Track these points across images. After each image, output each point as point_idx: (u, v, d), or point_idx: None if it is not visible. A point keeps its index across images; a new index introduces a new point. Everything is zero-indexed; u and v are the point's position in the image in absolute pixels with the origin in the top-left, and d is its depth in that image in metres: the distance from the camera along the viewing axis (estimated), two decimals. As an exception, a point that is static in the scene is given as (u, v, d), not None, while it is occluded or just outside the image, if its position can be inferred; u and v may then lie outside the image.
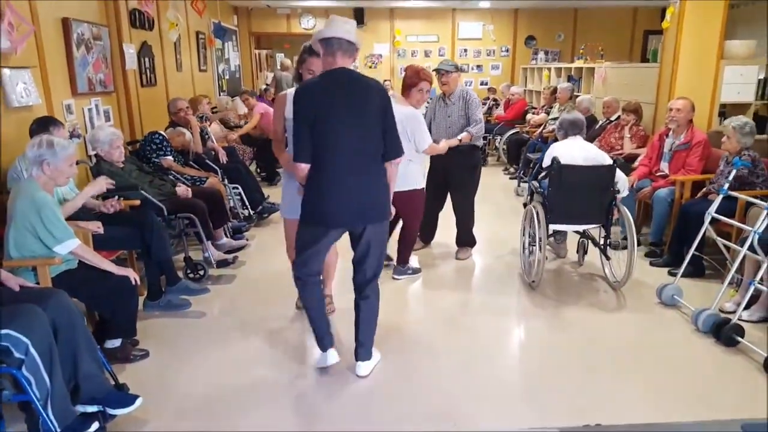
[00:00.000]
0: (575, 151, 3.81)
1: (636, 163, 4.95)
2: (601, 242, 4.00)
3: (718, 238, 3.54)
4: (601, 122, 6.27)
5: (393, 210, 2.86)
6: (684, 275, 3.71)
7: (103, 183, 3.29)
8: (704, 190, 4.16)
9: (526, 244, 4.09)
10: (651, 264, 4.31)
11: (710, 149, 4.40)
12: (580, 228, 4.09)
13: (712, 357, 3.05)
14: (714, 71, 4.70)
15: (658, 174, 4.63)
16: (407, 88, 3.89)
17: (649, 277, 4.06)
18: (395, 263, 4.19)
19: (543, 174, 3.92)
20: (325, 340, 2.86)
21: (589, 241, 4.23)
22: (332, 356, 2.88)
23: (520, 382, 2.89)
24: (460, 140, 4.13)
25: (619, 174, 3.83)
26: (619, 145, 5.53)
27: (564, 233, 4.50)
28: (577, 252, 4.46)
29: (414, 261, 4.37)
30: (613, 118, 6.00)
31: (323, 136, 2.49)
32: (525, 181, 5.69)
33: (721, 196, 3.49)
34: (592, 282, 4.11)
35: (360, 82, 2.57)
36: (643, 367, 2.96)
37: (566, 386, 2.79)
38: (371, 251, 2.72)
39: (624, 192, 3.90)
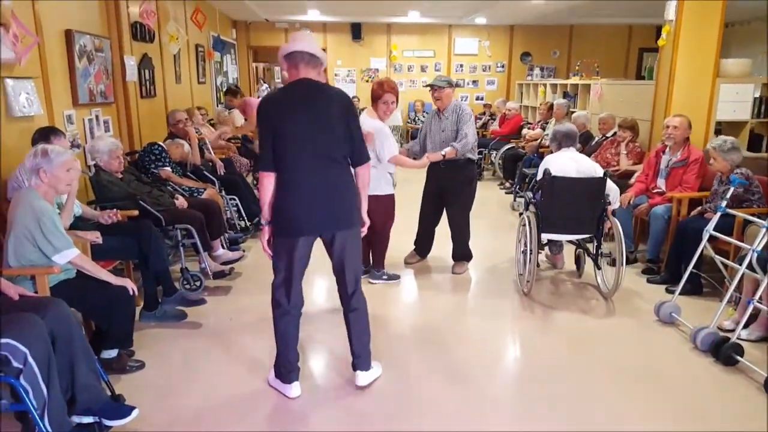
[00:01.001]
0: (568, 163, 3.91)
1: (632, 180, 4.98)
2: (593, 252, 4.10)
3: (716, 256, 3.55)
4: (597, 138, 6.32)
5: (367, 219, 2.85)
6: (682, 293, 3.72)
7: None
8: (699, 208, 4.18)
9: (521, 253, 4.17)
10: (648, 281, 4.32)
11: (707, 167, 4.44)
12: (572, 238, 4.17)
13: (711, 376, 3.05)
14: (710, 89, 4.76)
15: (654, 191, 4.66)
16: (373, 101, 3.97)
17: (646, 295, 4.07)
18: (371, 267, 4.27)
19: (537, 185, 4.03)
20: (293, 374, 2.78)
21: (584, 251, 4.31)
22: (296, 389, 2.79)
23: (516, 397, 2.87)
24: (444, 155, 4.16)
25: (611, 185, 3.93)
26: (615, 161, 5.56)
27: (560, 244, 4.59)
28: (575, 263, 4.52)
29: (409, 273, 4.37)
30: (609, 135, 6.04)
31: (286, 145, 2.52)
32: (521, 196, 5.75)
33: (719, 214, 3.51)
34: (587, 295, 4.12)
35: (322, 90, 2.62)
36: (641, 385, 2.96)
37: (564, 402, 2.79)
38: (347, 260, 2.71)
39: (615, 204, 4.00)
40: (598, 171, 3.91)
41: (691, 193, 4.35)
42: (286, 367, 2.77)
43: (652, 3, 6.78)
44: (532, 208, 4.11)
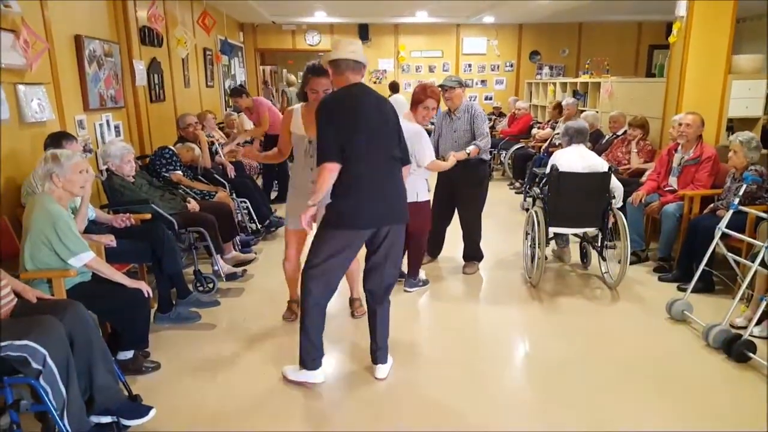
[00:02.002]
0: (576, 159, 4.04)
1: (644, 178, 4.97)
2: (598, 244, 4.22)
3: (729, 254, 3.54)
4: (607, 137, 6.30)
5: None
6: (693, 290, 3.70)
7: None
8: (711, 206, 4.16)
9: (528, 247, 4.30)
10: (660, 279, 4.31)
11: (719, 165, 4.42)
12: (578, 231, 4.32)
13: (722, 372, 3.04)
14: (721, 86, 4.74)
15: (666, 189, 4.64)
16: (414, 104, 3.97)
17: (658, 293, 4.05)
18: (406, 275, 4.22)
19: (544, 181, 4.17)
20: (317, 361, 2.88)
21: (589, 244, 4.47)
22: (320, 375, 2.90)
23: (529, 396, 2.88)
24: (468, 153, 4.16)
25: (616, 183, 4.06)
26: (626, 159, 5.55)
27: (566, 238, 4.73)
28: (581, 257, 4.67)
29: (422, 274, 4.38)
30: (619, 133, 6.02)
31: (354, 144, 2.63)
32: (530, 196, 5.79)
33: (731, 211, 3.49)
34: (596, 291, 4.12)
35: (377, 95, 2.82)
36: (653, 381, 2.95)
37: (576, 399, 2.79)
38: (391, 256, 2.85)
39: (619, 202, 4.12)
40: (604, 167, 4.04)
41: (703, 190, 4.33)
42: (311, 354, 2.84)
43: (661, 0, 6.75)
44: (539, 203, 4.22)
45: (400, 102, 9.69)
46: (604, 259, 4.25)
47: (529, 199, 5.69)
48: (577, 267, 4.70)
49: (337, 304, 3.87)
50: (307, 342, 2.83)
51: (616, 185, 4.06)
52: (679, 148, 4.57)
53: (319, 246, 2.74)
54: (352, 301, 3.79)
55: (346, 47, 2.72)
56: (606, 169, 3.99)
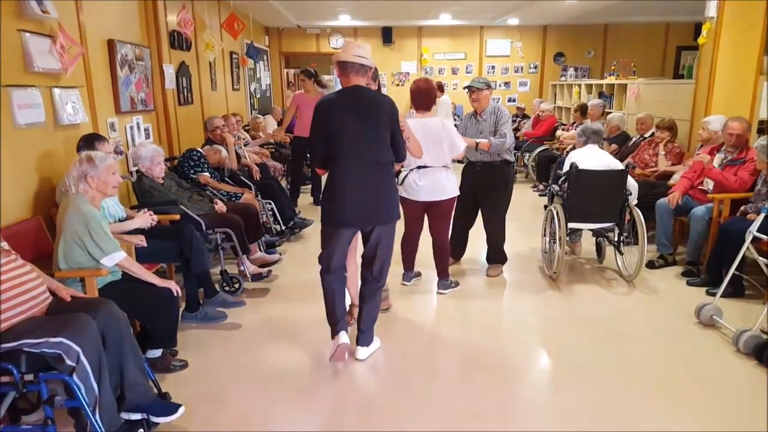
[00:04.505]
0: (592, 158, 4.24)
1: (673, 180, 4.90)
2: (615, 239, 4.40)
3: (760, 258, 3.47)
4: (634, 139, 6.22)
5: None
6: (723, 295, 3.62)
7: (148, 218, 3.42)
8: (742, 209, 4.08)
9: (547, 242, 4.50)
10: (688, 283, 4.24)
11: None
12: (596, 226, 4.44)
13: (754, 379, 2.98)
14: (752, 87, 4.64)
15: (700, 188, 4.56)
16: (430, 106, 3.93)
17: (686, 297, 3.99)
18: (438, 278, 4.21)
19: (563, 178, 4.31)
20: (338, 326, 3.11)
21: (604, 239, 4.63)
22: (343, 337, 3.10)
23: (553, 396, 2.85)
24: (478, 143, 4.17)
25: (631, 181, 4.25)
26: (654, 162, 5.47)
27: (579, 232, 4.86)
28: (597, 251, 4.86)
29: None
30: (647, 135, 5.95)
31: (337, 146, 2.86)
32: (551, 193, 5.80)
33: (763, 214, 3.42)
34: (620, 290, 4.07)
35: (371, 97, 2.93)
36: (681, 386, 2.91)
37: (604, 401, 2.76)
38: (379, 251, 3.07)
39: (634, 201, 4.26)
40: (619, 165, 4.28)
41: (734, 194, 4.24)
42: (333, 321, 3.12)
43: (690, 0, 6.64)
44: (557, 200, 4.33)
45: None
46: (621, 254, 4.40)
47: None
48: (593, 261, 4.83)
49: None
50: (327, 311, 3.14)
51: (631, 183, 4.21)
52: (722, 149, 4.49)
53: (321, 237, 3.09)
54: (350, 307, 3.58)
55: (352, 50, 2.87)
56: (622, 167, 4.21)
